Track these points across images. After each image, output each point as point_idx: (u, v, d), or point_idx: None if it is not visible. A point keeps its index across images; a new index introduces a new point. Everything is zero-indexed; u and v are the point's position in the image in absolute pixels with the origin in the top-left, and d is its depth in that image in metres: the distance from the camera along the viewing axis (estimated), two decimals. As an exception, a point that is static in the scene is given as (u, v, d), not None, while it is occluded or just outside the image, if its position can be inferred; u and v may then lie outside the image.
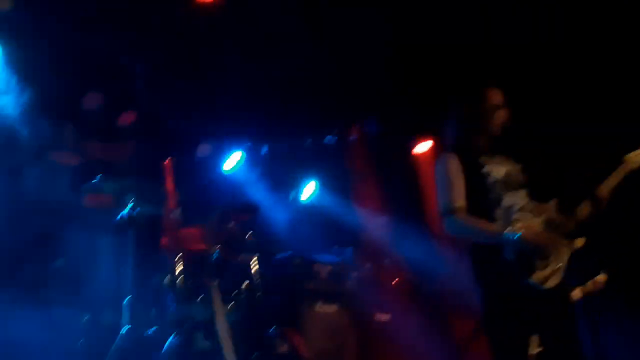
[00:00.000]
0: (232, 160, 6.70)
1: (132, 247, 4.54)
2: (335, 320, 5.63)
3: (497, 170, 3.27)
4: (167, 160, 4.86)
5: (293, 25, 4.97)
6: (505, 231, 3.04)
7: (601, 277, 3.19)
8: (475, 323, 5.37)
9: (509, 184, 3.25)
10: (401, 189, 6.94)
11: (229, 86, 5.53)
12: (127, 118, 5.63)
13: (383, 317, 6.00)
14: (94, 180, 4.62)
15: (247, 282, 4.89)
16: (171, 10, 4.77)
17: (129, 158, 5.53)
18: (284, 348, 4.71)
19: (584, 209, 3.24)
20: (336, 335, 5.54)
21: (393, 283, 6.25)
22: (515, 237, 3.00)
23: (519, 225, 3.09)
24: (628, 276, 4.58)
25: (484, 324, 3.14)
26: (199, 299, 4.44)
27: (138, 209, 4.34)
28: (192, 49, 5.11)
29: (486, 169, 3.25)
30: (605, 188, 3.26)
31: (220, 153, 6.63)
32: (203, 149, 6.50)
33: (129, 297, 4.24)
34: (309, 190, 7.10)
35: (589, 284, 3.12)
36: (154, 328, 4.36)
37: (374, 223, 6.94)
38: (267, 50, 5.19)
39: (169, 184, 4.71)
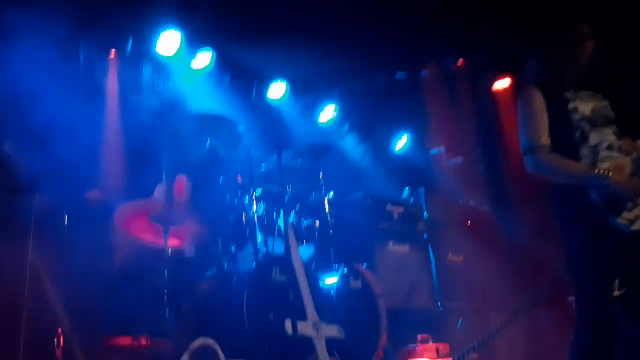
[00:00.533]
0: (328, 113, 6.71)
1: (208, 185, 4.67)
2: (407, 260, 5.65)
3: (584, 106, 3.12)
4: None
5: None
6: (592, 173, 2.92)
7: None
8: (555, 267, 5.24)
9: (596, 121, 3.10)
10: (479, 127, 6.75)
11: (300, 22, 5.45)
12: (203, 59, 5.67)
13: (456, 258, 5.97)
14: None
15: (319, 220, 4.97)
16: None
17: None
18: (356, 285, 4.78)
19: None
20: (408, 275, 5.57)
21: (468, 224, 6.17)
22: (603, 180, 2.87)
23: (606, 165, 2.96)
24: None
25: (567, 266, 3.06)
26: (275, 235, 4.56)
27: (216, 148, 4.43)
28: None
29: (572, 105, 3.11)
30: None
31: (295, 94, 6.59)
32: (276, 89, 6.47)
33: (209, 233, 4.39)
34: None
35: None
36: (232, 262, 4.51)
37: (448, 163, 6.83)
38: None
39: None
